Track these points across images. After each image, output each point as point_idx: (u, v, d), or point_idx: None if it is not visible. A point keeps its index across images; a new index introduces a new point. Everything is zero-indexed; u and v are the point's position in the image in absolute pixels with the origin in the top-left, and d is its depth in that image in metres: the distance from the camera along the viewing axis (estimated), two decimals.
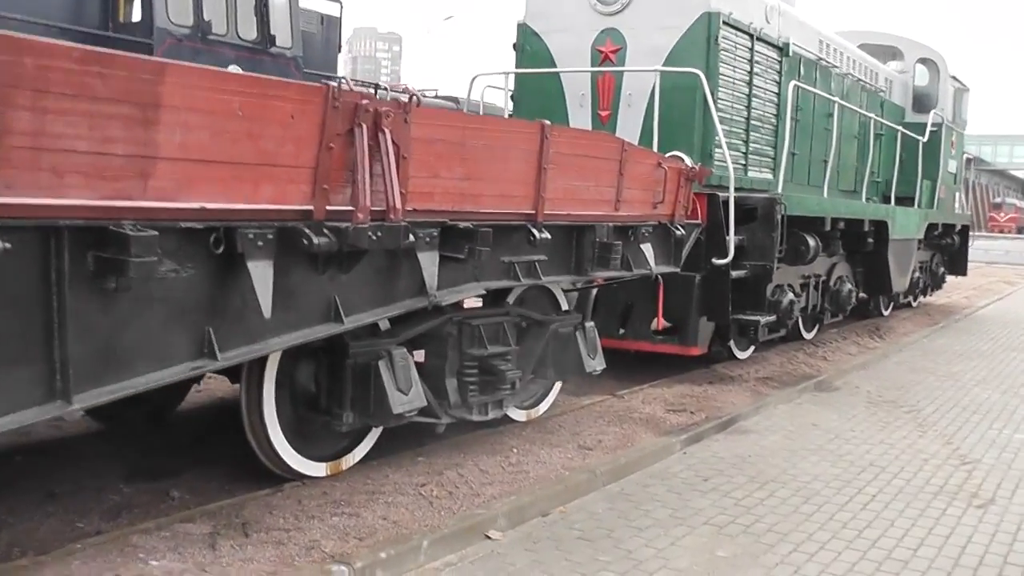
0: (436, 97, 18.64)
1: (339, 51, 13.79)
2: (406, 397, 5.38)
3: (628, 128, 9.28)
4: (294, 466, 5.53)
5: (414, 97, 4.94)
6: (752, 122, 10.26)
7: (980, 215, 75.23)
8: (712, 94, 8.84)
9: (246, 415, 5.35)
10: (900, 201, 14.75)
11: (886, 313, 16.09)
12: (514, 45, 10.11)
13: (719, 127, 8.79)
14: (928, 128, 15.24)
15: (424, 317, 5.79)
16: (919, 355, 12.56)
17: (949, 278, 19.12)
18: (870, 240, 12.85)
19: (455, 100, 16.57)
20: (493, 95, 11.40)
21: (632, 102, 9.38)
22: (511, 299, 6.72)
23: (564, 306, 7.40)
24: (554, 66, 9.80)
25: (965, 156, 20.06)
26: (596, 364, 7.14)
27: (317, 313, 4.71)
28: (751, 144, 10.29)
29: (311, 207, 4.38)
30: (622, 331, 9.21)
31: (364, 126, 4.55)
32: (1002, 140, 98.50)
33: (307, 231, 4.33)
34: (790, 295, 10.28)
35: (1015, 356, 12.85)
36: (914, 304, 17.94)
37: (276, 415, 5.39)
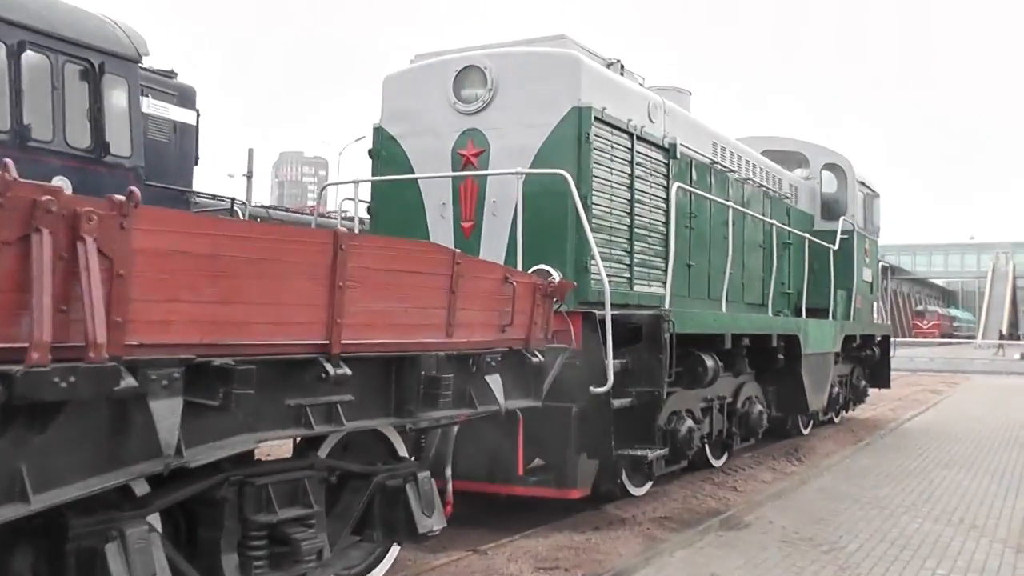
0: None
1: (197, 163, 12.67)
2: None
3: (494, 240, 8.21)
4: None
5: (133, 194, 3.74)
6: (636, 230, 9.22)
7: (904, 323, 76.15)
8: (584, 199, 7.81)
9: None
10: (814, 313, 13.87)
11: (806, 432, 15.03)
12: (369, 151, 9.06)
13: (591, 236, 7.71)
14: (839, 235, 14.52)
15: (190, 478, 4.52)
16: (842, 478, 11.44)
17: (873, 390, 18.20)
18: (780, 356, 11.84)
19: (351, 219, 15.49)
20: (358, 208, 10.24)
21: (497, 211, 8.29)
22: (324, 450, 5.47)
23: (401, 452, 6.14)
24: (412, 173, 8.73)
25: (881, 264, 19.44)
26: (432, 523, 5.80)
27: None
28: (636, 255, 9.23)
29: None
30: (490, 473, 7.93)
31: (46, 232, 3.37)
32: (920, 249, 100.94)
33: None
34: (688, 422, 9.12)
35: (945, 474, 11.77)
36: (836, 420, 16.94)
37: None
